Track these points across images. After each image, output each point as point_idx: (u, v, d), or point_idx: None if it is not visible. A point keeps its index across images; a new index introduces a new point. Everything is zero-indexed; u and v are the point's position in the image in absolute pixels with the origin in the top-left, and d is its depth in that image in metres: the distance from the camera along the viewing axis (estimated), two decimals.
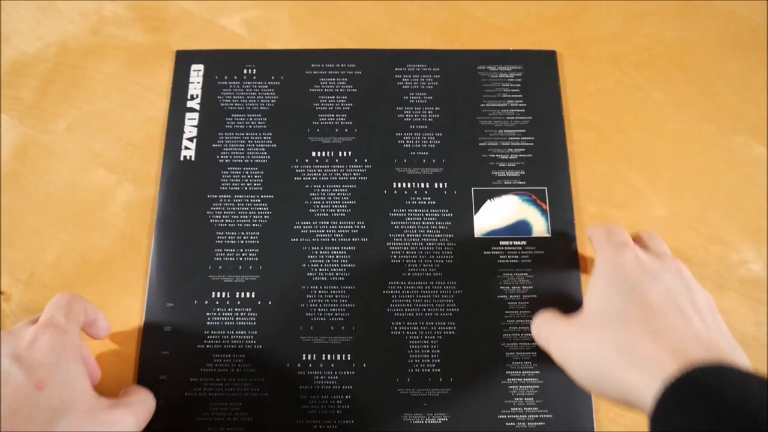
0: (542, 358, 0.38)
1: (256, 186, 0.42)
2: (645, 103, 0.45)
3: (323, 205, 0.41)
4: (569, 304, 0.39)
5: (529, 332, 0.38)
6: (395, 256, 0.40)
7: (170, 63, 0.46)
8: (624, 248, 0.33)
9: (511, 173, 0.42)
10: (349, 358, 0.38)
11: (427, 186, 0.42)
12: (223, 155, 0.42)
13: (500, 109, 0.44)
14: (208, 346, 0.38)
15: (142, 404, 0.34)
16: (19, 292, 0.40)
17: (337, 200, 0.41)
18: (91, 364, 0.34)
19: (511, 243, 0.40)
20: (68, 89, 0.45)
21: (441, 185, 0.42)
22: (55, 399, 0.29)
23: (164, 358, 0.38)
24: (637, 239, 0.36)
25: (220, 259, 0.40)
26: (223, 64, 0.45)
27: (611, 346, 0.29)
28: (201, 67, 0.45)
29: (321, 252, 0.40)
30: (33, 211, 0.42)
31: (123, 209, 0.42)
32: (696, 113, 0.44)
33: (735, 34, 0.47)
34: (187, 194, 0.41)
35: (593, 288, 0.32)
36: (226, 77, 0.45)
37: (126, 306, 0.39)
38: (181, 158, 0.42)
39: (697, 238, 0.41)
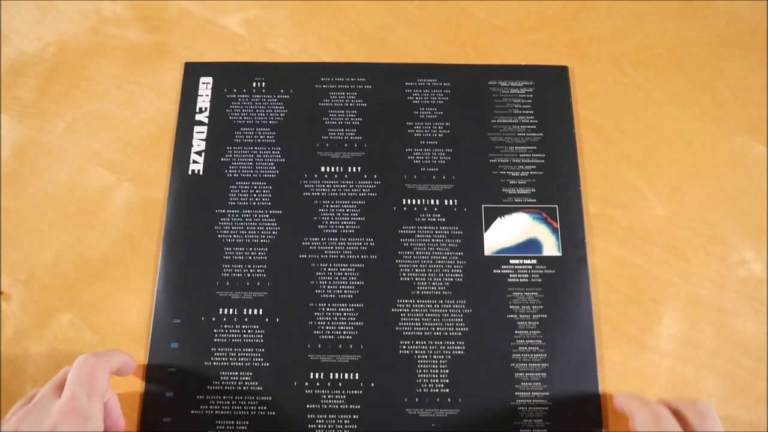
0: (552, 380, 0.37)
1: (264, 201, 0.41)
2: (645, 103, 0.45)
3: (332, 221, 0.41)
4: (579, 325, 0.39)
5: (539, 353, 0.38)
6: (404, 274, 0.40)
7: (170, 63, 0.45)
8: None
9: (521, 190, 0.42)
10: (357, 377, 0.38)
11: (437, 203, 0.41)
12: (231, 169, 0.42)
13: (511, 125, 0.43)
14: (215, 363, 0.38)
15: None
16: (18, 292, 0.40)
17: (346, 216, 0.41)
18: (116, 414, 0.34)
19: (521, 261, 0.40)
20: (68, 89, 0.45)
21: (451, 202, 0.41)
22: None
23: (171, 374, 0.37)
24: (678, 414, 0.33)
25: (227, 275, 0.40)
26: (232, 77, 0.45)
27: None
28: (210, 79, 0.45)
29: (329, 269, 0.40)
30: (33, 211, 0.42)
31: (123, 209, 0.42)
32: (696, 113, 0.44)
33: (735, 33, 0.47)
34: (194, 208, 0.41)
35: None
36: (235, 90, 0.44)
37: (126, 306, 0.39)
38: (189, 172, 0.42)
39: (697, 238, 0.41)
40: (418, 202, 0.41)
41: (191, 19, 0.47)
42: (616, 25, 0.47)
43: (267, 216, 0.41)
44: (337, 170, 0.42)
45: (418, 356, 0.38)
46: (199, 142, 0.43)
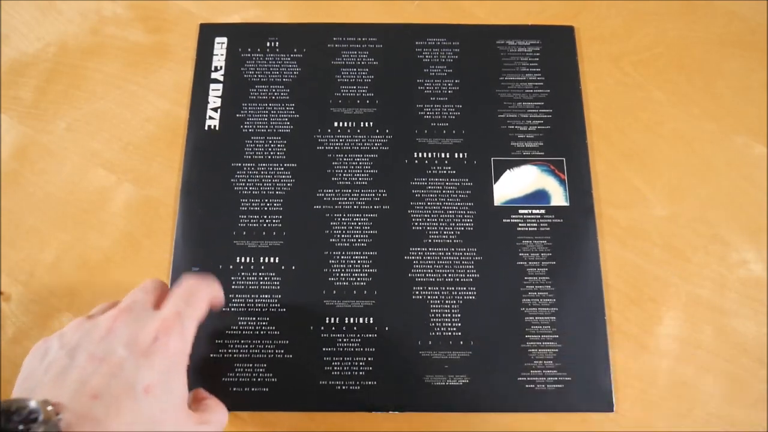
0: (561, 323, 0.38)
1: (279, 155, 0.42)
2: (645, 103, 0.45)
3: (345, 173, 0.42)
4: (587, 270, 0.40)
5: (548, 297, 0.39)
6: (416, 223, 0.41)
7: (170, 63, 0.46)
8: None
9: (529, 144, 0.43)
10: (371, 322, 0.39)
11: (448, 156, 0.42)
12: (246, 125, 0.43)
13: (519, 82, 0.44)
14: (233, 309, 0.39)
15: (221, 424, 0.32)
16: (18, 292, 0.40)
17: (359, 169, 0.42)
18: None
19: (530, 211, 0.41)
20: (68, 89, 0.45)
21: (461, 155, 0.42)
22: (156, 408, 0.27)
23: None
24: None
25: (244, 225, 0.41)
26: (246, 37, 0.46)
27: None
28: (225, 39, 0.46)
29: (344, 219, 0.41)
30: (33, 211, 0.42)
31: (122, 209, 0.42)
32: (696, 113, 0.45)
33: (735, 34, 0.47)
34: (211, 162, 0.42)
35: None
36: (249, 50, 0.45)
37: None
38: (206, 128, 0.43)
39: (697, 238, 0.41)
40: (429, 155, 0.42)
41: (191, 20, 0.47)
42: (616, 25, 0.47)
43: (282, 169, 0.42)
44: (349, 125, 0.43)
45: (431, 301, 0.39)
46: (215, 99, 0.44)
